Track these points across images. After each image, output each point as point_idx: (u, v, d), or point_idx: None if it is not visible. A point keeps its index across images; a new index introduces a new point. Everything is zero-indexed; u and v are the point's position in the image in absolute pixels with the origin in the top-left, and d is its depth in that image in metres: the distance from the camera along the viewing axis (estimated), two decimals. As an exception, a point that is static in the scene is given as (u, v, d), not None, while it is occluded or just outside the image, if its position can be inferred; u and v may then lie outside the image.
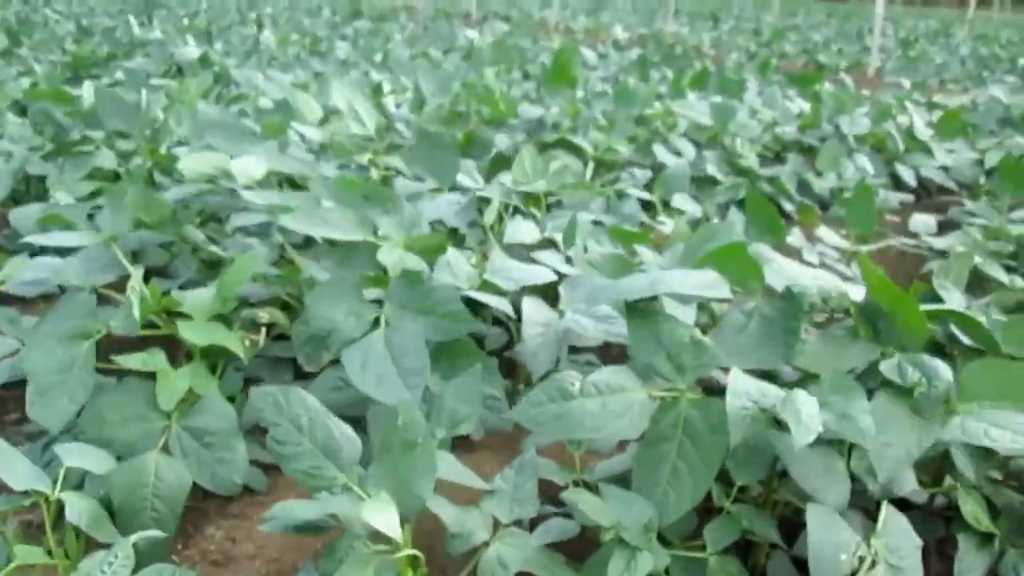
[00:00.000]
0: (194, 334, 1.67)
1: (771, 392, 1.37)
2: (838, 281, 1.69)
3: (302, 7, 16.16)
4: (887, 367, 1.48)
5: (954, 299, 1.81)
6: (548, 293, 2.08)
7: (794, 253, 2.74)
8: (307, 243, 2.24)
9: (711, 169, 3.57)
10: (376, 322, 1.76)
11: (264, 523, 1.29)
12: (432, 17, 15.54)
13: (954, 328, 1.67)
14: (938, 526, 1.75)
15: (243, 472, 1.61)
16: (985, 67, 11.96)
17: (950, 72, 11.11)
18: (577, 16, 19.16)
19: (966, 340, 1.66)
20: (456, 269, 1.97)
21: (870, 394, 1.54)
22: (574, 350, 2.22)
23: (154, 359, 1.66)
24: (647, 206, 3.13)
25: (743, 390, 1.34)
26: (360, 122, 2.73)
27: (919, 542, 1.39)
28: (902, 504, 1.78)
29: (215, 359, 1.83)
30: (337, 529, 1.30)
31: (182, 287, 2.18)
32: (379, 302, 1.82)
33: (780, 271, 1.68)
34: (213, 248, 2.02)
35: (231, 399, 1.89)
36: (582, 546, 1.49)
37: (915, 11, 37.55)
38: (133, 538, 1.18)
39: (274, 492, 1.76)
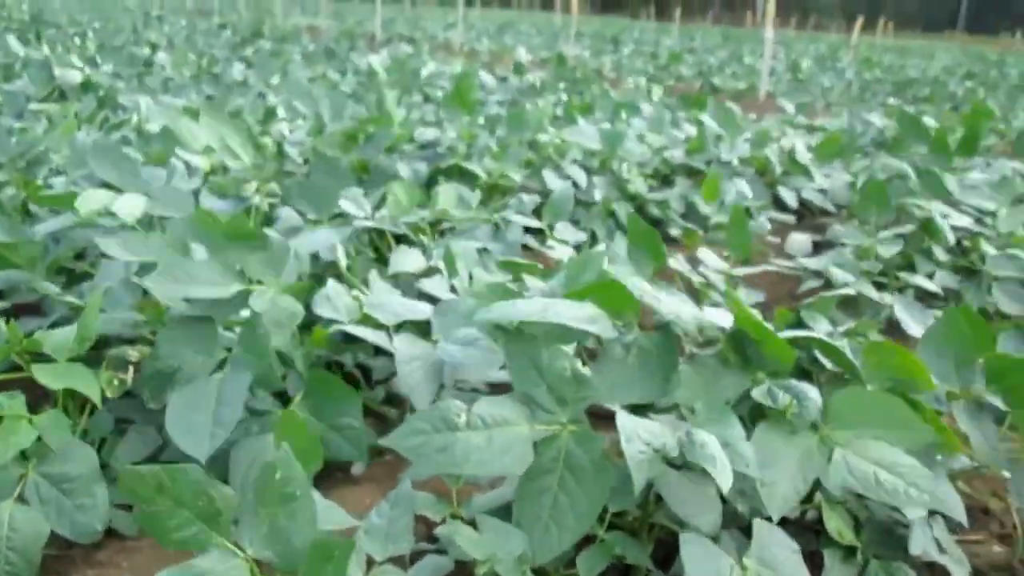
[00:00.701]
0: (48, 377, 1.61)
1: (659, 431, 1.38)
2: (703, 313, 1.74)
3: (201, 28, 15.80)
4: (758, 393, 1.53)
5: (820, 327, 1.88)
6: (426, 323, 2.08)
7: (677, 277, 2.82)
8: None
9: (598, 194, 3.64)
10: (223, 364, 1.73)
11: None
12: (336, 38, 15.40)
13: (818, 354, 1.74)
14: (810, 539, 1.81)
15: (104, 519, 1.55)
16: (867, 90, 12.59)
17: (835, 94, 11.65)
18: (481, 38, 19.32)
19: (830, 365, 1.74)
20: (336, 302, 1.96)
21: (742, 420, 1.60)
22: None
23: (13, 402, 1.58)
24: (538, 232, 3.17)
25: (635, 433, 1.35)
26: (233, 155, 2.67)
27: (796, 547, 1.44)
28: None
29: (82, 399, 1.76)
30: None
31: (53, 325, 2.10)
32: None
33: (659, 305, 1.72)
34: (69, 298, 1.95)
35: (100, 441, 1.83)
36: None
37: (806, 35, 39.26)
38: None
39: (146, 536, 1.70)
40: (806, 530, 1.79)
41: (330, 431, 1.79)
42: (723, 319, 1.66)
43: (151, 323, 1.91)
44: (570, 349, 1.67)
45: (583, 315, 1.48)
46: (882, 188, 3.24)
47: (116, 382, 1.78)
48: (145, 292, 1.96)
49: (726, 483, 1.25)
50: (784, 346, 1.55)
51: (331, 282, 1.99)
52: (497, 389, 2.13)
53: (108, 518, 1.58)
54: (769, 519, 1.49)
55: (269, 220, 2.79)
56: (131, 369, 1.82)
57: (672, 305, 1.55)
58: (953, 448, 1.67)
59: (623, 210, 3.54)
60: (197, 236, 1.93)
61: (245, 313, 1.79)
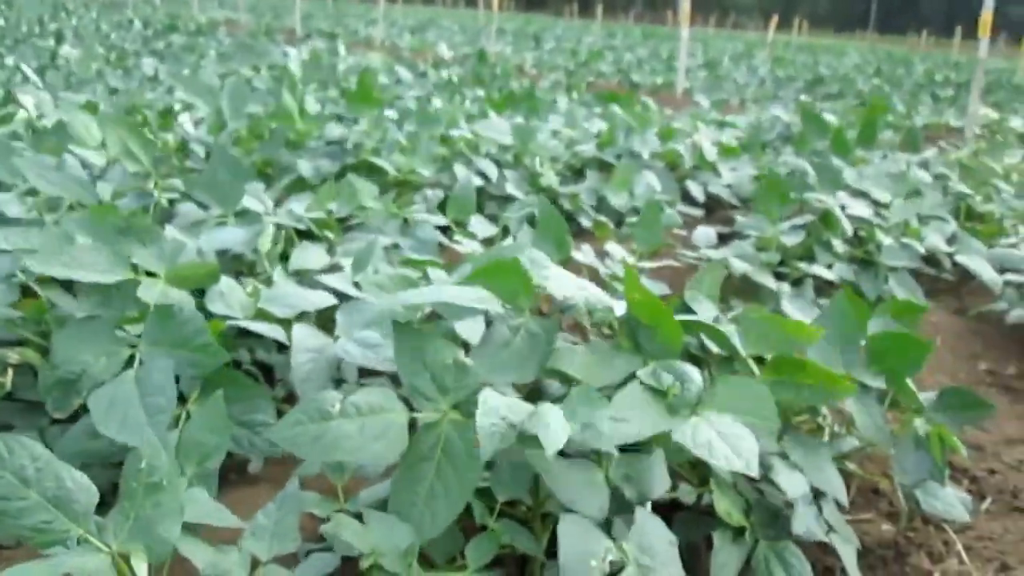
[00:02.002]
0: (-81, 379, 1.54)
1: (520, 408, 1.41)
2: (603, 295, 1.76)
3: (112, 20, 15.30)
4: (644, 374, 1.56)
5: (705, 310, 1.92)
6: (329, 321, 2.06)
7: (584, 268, 2.84)
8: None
9: (511, 188, 3.65)
10: (130, 361, 1.68)
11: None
12: (253, 33, 15.09)
13: (704, 338, 1.78)
14: (707, 524, 1.85)
15: (-21, 527, 1.48)
16: (781, 87, 12.93)
17: (750, 91, 11.93)
18: (403, 34, 19.19)
19: (716, 349, 1.78)
20: (229, 298, 1.92)
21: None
22: (366, 374, 2.20)
23: None
24: (446, 228, 3.16)
25: (493, 408, 1.36)
26: (134, 159, 2.59)
27: (673, 539, 1.47)
28: (673, 505, 1.88)
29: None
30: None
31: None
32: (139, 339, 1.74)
33: (553, 283, 1.74)
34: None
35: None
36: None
37: (725, 33, 40.14)
38: None
39: (24, 546, 1.64)
40: (703, 515, 1.83)
41: (239, 428, 1.75)
42: (618, 304, 1.69)
43: (31, 323, 1.84)
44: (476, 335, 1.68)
45: (470, 296, 1.50)
46: (780, 181, 3.33)
47: (-7, 386, 1.71)
48: (24, 292, 1.89)
49: (552, 446, 1.27)
50: (676, 329, 1.58)
51: (224, 278, 1.95)
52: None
53: (-18, 526, 1.51)
54: (671, 503, 1.52)
55: (169, 216, 2.72)
56: (10, 372, 1.75)
57: (564, 284, 1.57)
58: (846, 391, 1.70)
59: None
60: (89, 229, 1.86)
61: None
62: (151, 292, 1.71)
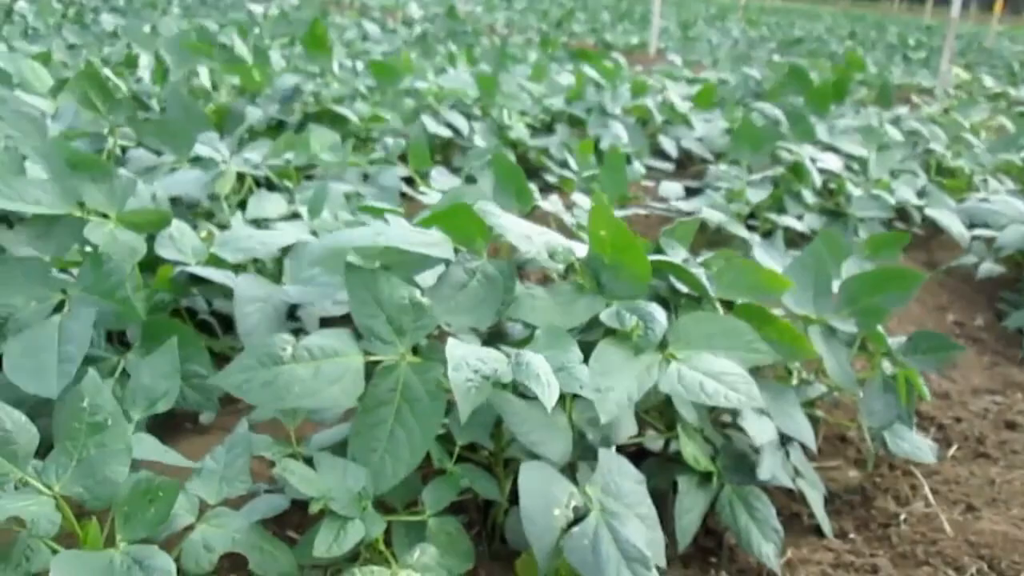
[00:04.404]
0: None
1: (491, 357, 1.35)
2: (563, 239, 1.71)
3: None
4: (607, 315, 1.51)
5: (677, 255, 1.88)
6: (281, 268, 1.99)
7: (552, 219, 2.79)
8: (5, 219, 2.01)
9: (479, 140, 3.58)
10: (60, 307, 1.60)
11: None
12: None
13: (673, 280, 1.73)
14: (674, 470, 1.82)
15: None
16: (753, 47, 12.86)
17: (723, 52, 11.85)
18: (373, -7, 18.82)
19: (685, 290, 1.74)
20: (180, 243, 1.84)
21: (594, 346, 1.57)
22: (327, 323, 2.14)
23: None
24: (410, 180, 3.09)
25: (463, 360, 1.30)
26: (90, 105, 2.48)
27: (640, 477, 1.43)
28: (641, 452, 1.85)
29: None
30: (6, 531, 1.16)
31: None
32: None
33: (507, 228, 1.68)
34: None
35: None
36: (310, 522, 1.43)
37: (698, -4, 39.78)
38: None
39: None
40: (669, 461, 1.80)
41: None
42: (579, 247, 1.63)
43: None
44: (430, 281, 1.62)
45: (422, 240, 1.43)
46: (753, 129, 3.29)
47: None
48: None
49: (549, 400, 1.22)
50: (644, 265, 1.52)
51: (176, 221, 1.87)
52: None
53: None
54: (639, 451, 1.48)
55: (121, 162, 2.62)
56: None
57: (518, 228, 1.51)
58: (809, 354, 1.68)
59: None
60: (39, 160, 1.77)
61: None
62: (98, 232, 1.63)
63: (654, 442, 1.84)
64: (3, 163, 1.77)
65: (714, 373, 1.44)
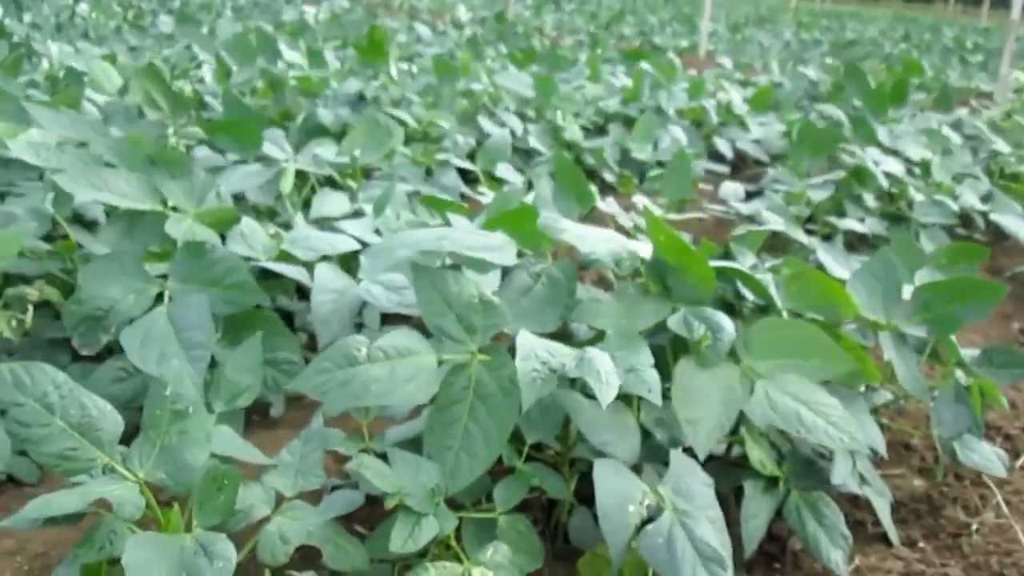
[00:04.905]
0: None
1: (560, 351, 1.36)
2: (628, 241, 1.71)
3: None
4: (674, 322, 1.51)
5: (746, 261, 1.87)
6: (353, 264, 2.02)
7: (609, 220, 2.79)
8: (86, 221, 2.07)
9: (534, 141, 3.58)
10: (159, 298, 1.64)
11: (9, 520, 1.17)
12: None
13: (740, 286, 1.72)
14: (737, 475, 1.81)
15: (5, 459, 1.46)
16: (806, 50, 12.69)
17: (774, 54, 11.71)
18: (421, -5, 18.95)
19: (752, 298, 1.73)
20: (251, 240, 1.87)
21: (662, 351, 1.57)
22: (388, 319, 2.17)
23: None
24: (469, 177, 3.10)
25: (532, 352, 1.32)
26: (155, 105, 2.54)
27: (709, 480, 1.42)
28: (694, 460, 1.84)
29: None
30: (94, 515, 1.19)
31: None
32: (164, 277, 1.70)
33: (572, 235, 1.68)
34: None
35: None
36: (378, 517, 1.44)
37: (747, -1, 39.40)
38: None
39: (45, 483, 1.62)
40: (732, 465, 1.79)
41: (265, 366, 1.71)
42: (644, 249, 1.63)
43: (57, 259, 1.80)
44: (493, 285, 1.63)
45: (485, 243, 1.44)
46: (815, 131, 3.25)
47: (14, 323, 1.68)
48: (53, 226, 1.85)
49: (606, 396, 1.23)
50: (708, 271, 1.51)
51: (246, 219, 1.91)
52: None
53: (7, 462, 1.49)
54: (688, 450, 1.48)
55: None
56: (30, 309, 1.72)
57: (583, 237, 1.51)
58: (873, 377, 1.67)
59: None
60: (119, 157, 1.81)
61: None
62: (179, 227, 1.67)
63: (716, 445, 1.83)
64: (86, 158, 1.82)
65: (810, 402, 1.43)
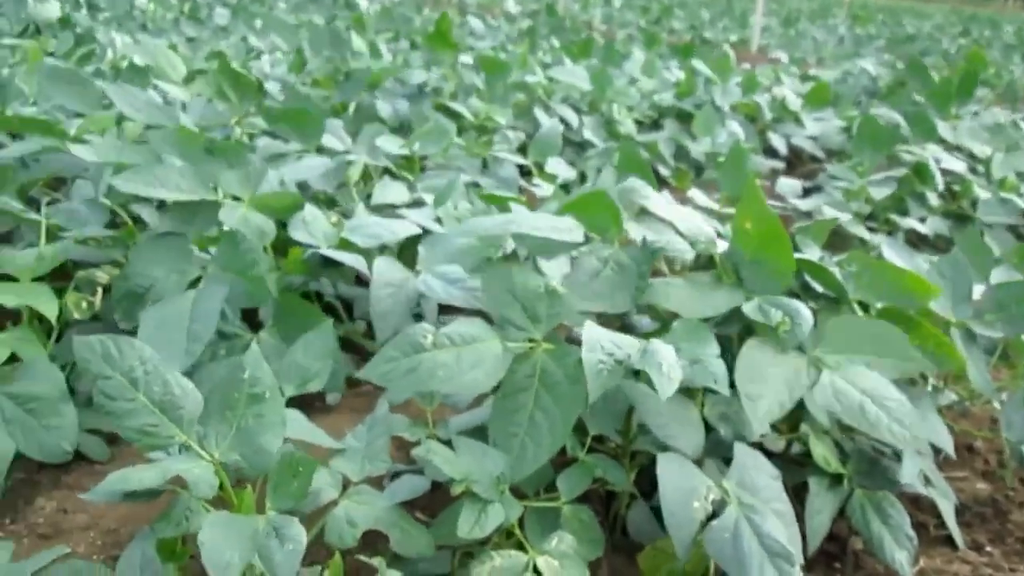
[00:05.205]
0: (7, 295, 1.55)
1: (626, 343, 1.36)
2: (707, 226, 1.69)
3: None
4: (750, 308, 1.49)
5: (813, 253, 1.84)
6: (412, 255, 2.03)
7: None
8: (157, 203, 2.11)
9: (588, 134, 3.57)
10: (197, 282, 1.67)
11: (90, 493, 1.19)
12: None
13: (809, 279, 1.70)
14: (795, 473, 1.78)
15: (73, 439, 1.50)
16: (861, 45, 12.46)
17: (828, 49, 11.52)
18: (471, -11, 18.97)
19: (820, 289, 1.70)
20: (312, 227, 1.89)
21: (728, 342, 1.55)
22: (445, 310, 2.17)
23: (-26, 322, 1.53)
24: (522, 170, 3.10)
25: (597, 343, 1.31)
26: (224, 96, 2.59)
27: (775, 472, 1.41)
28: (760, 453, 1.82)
29: (49, 324, 1.71)
30: (170, 492, 1.22)
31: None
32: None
33: (654, 203, 1.68)
34: (32, 215, 1.87)
35: (70, 366, 1.77)
36: (438, 504, 1.45)
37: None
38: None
39: (116, 460, 1.66)
40: (791, 463, 1.77)
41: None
42: (718, 238, 1.63)
43: (121, 244, 1.85)
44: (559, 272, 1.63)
45: (553, 226, 1.44)
46: (877, 127, 3.18)
47: (84, 304, 1.72)
48: (115, 213, 1.90)
49: (666, 389, 1.21)
50: (786, 259, 1.49)
51: (308, 206, 1.93)
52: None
53: (77, 439, 1.52)
54: (751, 444, 1.46)
55: (250, 150, 2.71)
56: (99, 291, 1.76)
57: (668, 209, 1.51)
58: (956, 364, 1.62)
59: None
60: (175, 149, 1.85)
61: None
62: (232, 215, 1.69)
63: (774, 443, 1.81)
64: (143, 153, 1.86)
65: (876, 396, 1.40)
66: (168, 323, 1.58)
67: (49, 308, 1.59)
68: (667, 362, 1.27)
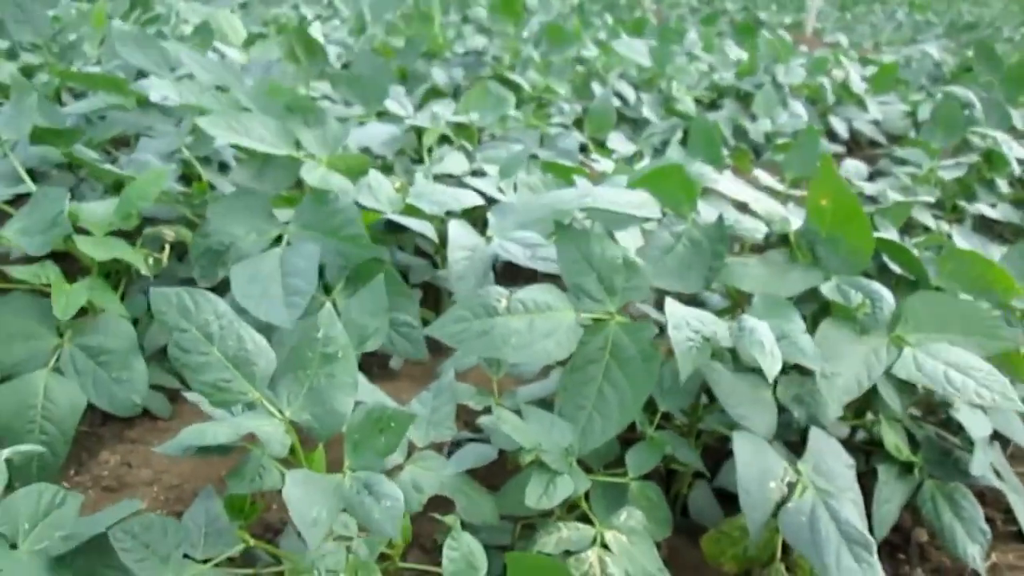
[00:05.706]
0: (93, 248, 1.55)
1: (709, 319, 1.33)
2: (779, 206, 1.65)
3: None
4: (828, 288, 1.46)
5: (891, 236, 1.79)
6: (475, 221, 2.01)
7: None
8: (218, 166, 2.11)
9: (647, 111, 3.51)
10: (278, 241, 1.66)
11: (164, 446, 1.19)
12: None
13: (887, 259, 1.65)
14: (859, 460, 1.74)
15: (142, 392, 1.50)
16: (919, 31, 12.14)
17: (885, 34, 11.24)
18: (521, -35, 18.81)
19: (899, 271, 1.65)
20: (378, 192, 1.87)
21: (805, 320, 1.52)
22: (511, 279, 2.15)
23: (47, 271, 1.53)
24: (582, 147, 3.06)
25: (683, 320, 1.28)
26: (295, 58, 2.58)
27: (850, 461, 1.37)
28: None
29: (116, 279, 1.71)
30: (240, 449, 1.21)
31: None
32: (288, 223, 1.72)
33: (725, 186, 1.64)
34: (109, 167, 1.87)
35: (134, 322, 1.78)
36: (500, 474, 1.44)
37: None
38: (5, 453, 1.08)
39: (177, 418, 1.67)
40: (856, 451, 1.72)
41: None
42: (793, 217, 1.58)
43: (192, 201, 1.84)
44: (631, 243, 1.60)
45: (627, 200, 1.41)
46: (955, 107, 3.09)
47: (151, 261, 1.72)
48: (185, 173, 1.89)
49: (772, 369, 1.18)
50: (866, 239, 1.44)
51: (373, 171, 1.91)
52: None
53: (146, 392, 1.52)
54: (825, 428, 1.42)
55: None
56: (166, 248, 1.76)
57: (740, 193, 1.47)
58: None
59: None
60: (256, 103, 1.85)
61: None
62: (313, 174, 1.68)
63: (837, 429, 1.76)
64: (229, 98, 1.85)
65: (959, 365, 1.35)
66: (260, 278, 1.57)
67: (137, 260, 1.60)
68: (768, 341, 1.24)
